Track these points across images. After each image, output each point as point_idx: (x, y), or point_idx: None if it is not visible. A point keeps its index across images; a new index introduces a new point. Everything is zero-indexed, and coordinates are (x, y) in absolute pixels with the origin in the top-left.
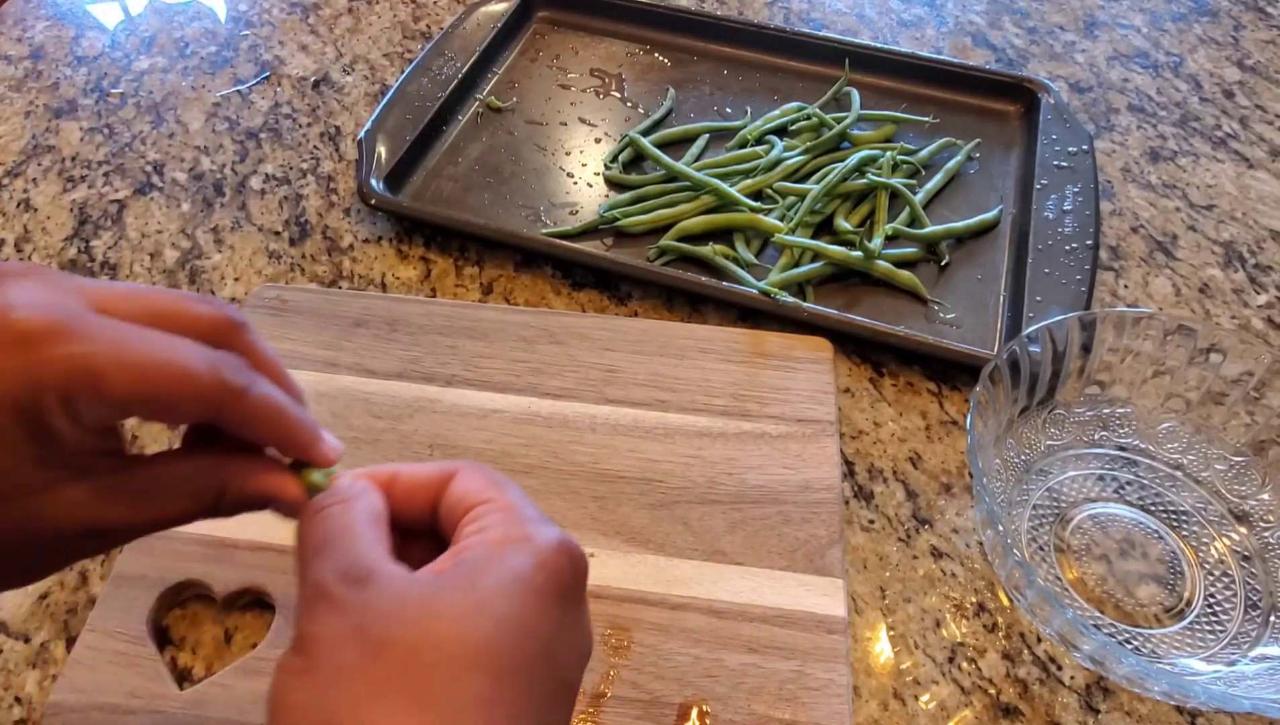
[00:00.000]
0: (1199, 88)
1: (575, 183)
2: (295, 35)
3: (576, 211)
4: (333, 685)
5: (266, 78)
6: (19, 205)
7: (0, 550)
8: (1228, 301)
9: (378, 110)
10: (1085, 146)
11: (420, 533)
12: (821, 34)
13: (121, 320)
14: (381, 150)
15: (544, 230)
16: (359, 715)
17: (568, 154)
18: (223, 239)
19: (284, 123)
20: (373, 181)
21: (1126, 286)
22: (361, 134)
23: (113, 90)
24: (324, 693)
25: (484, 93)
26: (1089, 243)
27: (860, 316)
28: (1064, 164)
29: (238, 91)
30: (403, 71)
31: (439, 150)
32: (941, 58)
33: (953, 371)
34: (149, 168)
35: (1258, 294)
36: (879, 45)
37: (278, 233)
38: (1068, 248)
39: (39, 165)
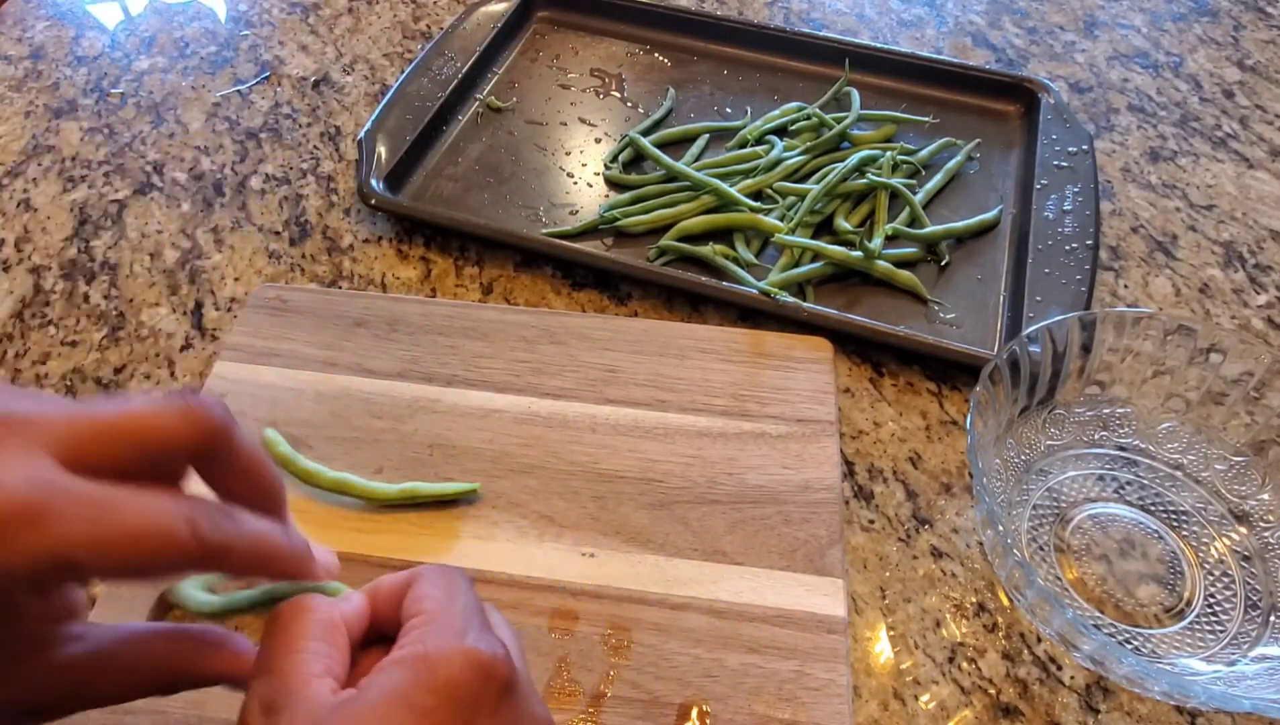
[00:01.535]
0: (1199, 88)
1: (575, 183)
2: (295, 35)
3: (576, 211)
4: None
5: (266, 78)
6: (19, 205)
7: None
8: (1228, 301)
9: (378, 110)
10: (1085, 146)
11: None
12: (821, 34)
13: (95, 470)
14: (381, 150)
15: (544, 230)
16: None
17: (568, 154)
18: (223, 239)
19: (284, 123)
20: (373, 181)
21: (1126, 286)
22: (361, 134)
23: (113, 90)
24: None
25: (484, 93)
26: (1089, 243)
27: (860, 316)
28: (1064, 164)
29: (238, 91)
30: (403, 71)
31: (439, 150)
32: (941, 58)
33: (953, 371)
34: (149, 168)
35: (1258, 294)
36: (879, 45)
37: (278, 233)
38: (1068, 248)
39: (39, 165)
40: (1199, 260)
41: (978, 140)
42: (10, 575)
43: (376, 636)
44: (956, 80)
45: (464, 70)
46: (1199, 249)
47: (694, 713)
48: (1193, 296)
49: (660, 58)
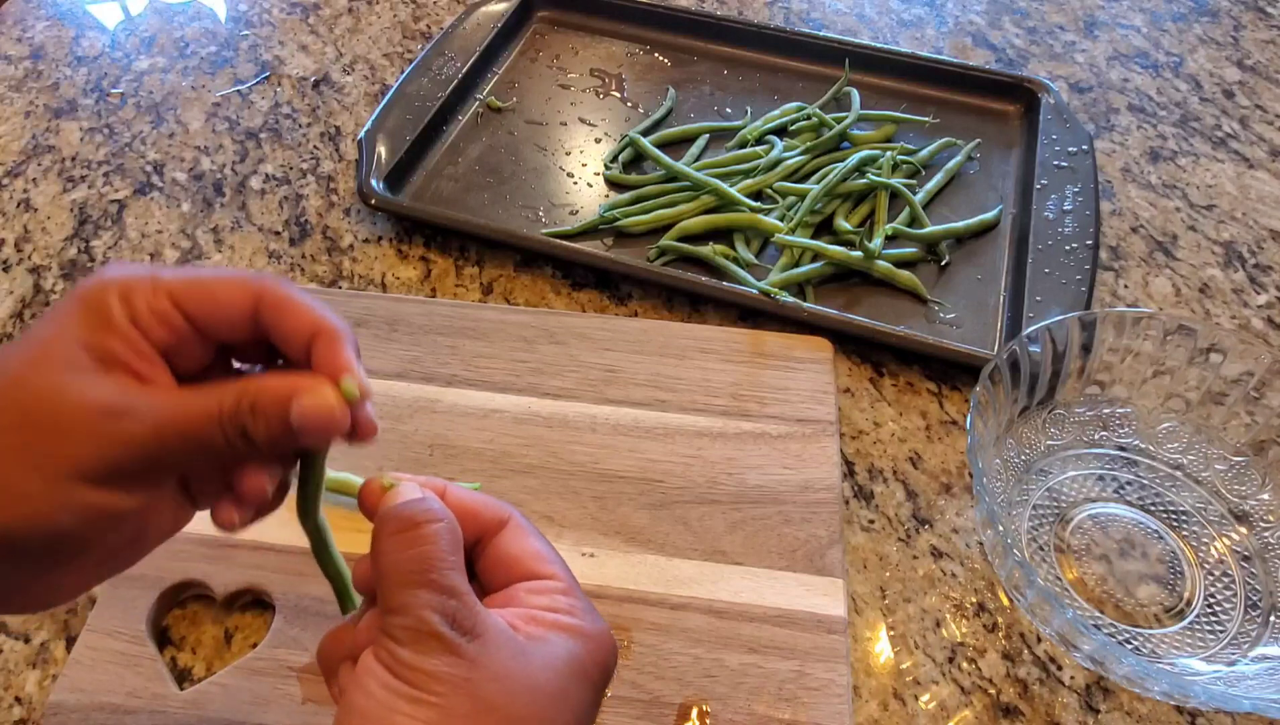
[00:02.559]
0: (1199, 88)
1: (575, 183)
2: (295, 35)
3: (576, 211)
4: (443, 723)
5: (266, 78)
6: (19, 205)
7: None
8: (1228, 301)
9: (378, 110)
10: (1085, 146)
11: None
12: (821, 34)
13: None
14: (381, 150)
15: (544, 230)
16: None
17: (568, 154)
18: (223, 239)
19: (284, 123)
20: (373, 181)
21: (1126, 286)
22: (361, 134)
23: (113, 90)
24: None
25: (484, 93)
26: (1089, 243)
27: (860, 316)
28: (1064, 164)
29: (238, 91)
30: (403, 71)
31: (439, 150)
32: (941, 58)
33: (953, 371)
34: (149, 168)
35: (1258, 294)
36: (879, 45)
37: (278, 233)
38: (1068, 248)
39: (39, 165)
40: (1199, 260)
41: (978, 140)
42: (105, 284)
43: None
44: (956, 80)
45: (464, 70)
46: (1199, 249)
47: (694, 713)
48: (1193, 296)
49: (660, 58)
